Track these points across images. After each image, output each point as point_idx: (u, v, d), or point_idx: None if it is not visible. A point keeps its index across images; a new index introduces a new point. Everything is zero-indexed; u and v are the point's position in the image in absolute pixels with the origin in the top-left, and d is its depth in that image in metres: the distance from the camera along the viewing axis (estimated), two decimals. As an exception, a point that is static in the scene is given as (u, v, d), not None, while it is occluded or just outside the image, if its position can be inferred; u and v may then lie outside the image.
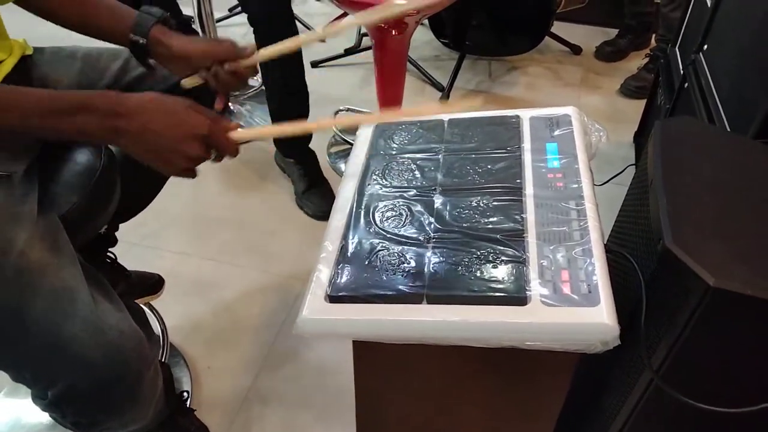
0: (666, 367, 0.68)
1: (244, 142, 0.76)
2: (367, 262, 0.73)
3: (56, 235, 0.75)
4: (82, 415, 0.76)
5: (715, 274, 0.60)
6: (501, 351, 0.68)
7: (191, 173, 0.73)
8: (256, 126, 0.71)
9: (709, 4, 1.31)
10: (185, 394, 1.09)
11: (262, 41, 1.51)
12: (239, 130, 0.75)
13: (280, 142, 1.73)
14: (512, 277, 0.68)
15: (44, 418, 1.16)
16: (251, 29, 1.49)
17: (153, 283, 1.28)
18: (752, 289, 0.60)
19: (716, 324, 0.63)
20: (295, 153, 1.72)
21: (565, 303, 0.64)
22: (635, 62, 2.30)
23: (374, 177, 0.87)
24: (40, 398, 0.75)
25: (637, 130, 1.88)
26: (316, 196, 1.67)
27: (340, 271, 0.73)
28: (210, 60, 0.86)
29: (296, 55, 1.56)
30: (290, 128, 0.82)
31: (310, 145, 1.74)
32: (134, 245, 1.57)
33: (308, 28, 2.49)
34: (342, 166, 1.86)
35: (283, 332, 1.36)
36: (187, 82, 0.89)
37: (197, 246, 1.60)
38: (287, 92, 1.59)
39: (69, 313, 0.70)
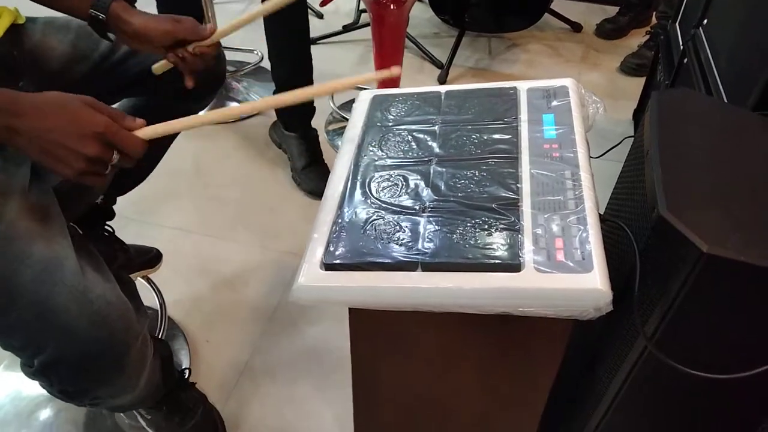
0: (659, 334, 0.69)
1: (153, 138, 0.72)
2: (362, 231, 0.73)
3: (47, 206, 0.75)
4: (69, 384, 0.76)
5: (708, 241, 0.61)
6: (495, 318, 0.68)
7: (95, 177, 0.68)
8: (211, 111, 0.71)
9: (709, -22, 1.30)
10: (187, 371, 1.10)
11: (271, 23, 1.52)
12: (146, 127, 0.71)
13: (283, 116, 1.72)
14: (506, 245, 0.68)
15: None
16: (251, 5, 1.48)
17: (151, 258, 1.29)
18: (745, 256, 0.60)
19: (710, 291, 0.64)
20: (298, 127, 1.71)
21: (559, 269, 0.65)
22: (636, 40, 2.28)
23: (370, 148, 0.87)
24: (27, 366, 0.76)
25: (637, 107, 1.87)
26: (314, 173, 1.67)
27: (335, 239, 0.73)
28: (171, 39, 0.86)
29: (303, 27, 1.56)
30: (211, 116, 0.79)
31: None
32: (133, 220, 1.58)
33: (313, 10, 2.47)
34: (340, 144, 1.86)
35: (281, 307, 1.37)
36: (158, 68, 0.89)
37: (196, 222, 1.61)
38: (292, 63, 1.58)
39: (56, 282, 0.70)
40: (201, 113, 0.75)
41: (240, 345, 1.30)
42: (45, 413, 1.17)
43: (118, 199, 1.21)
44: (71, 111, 0.66)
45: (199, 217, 1.63)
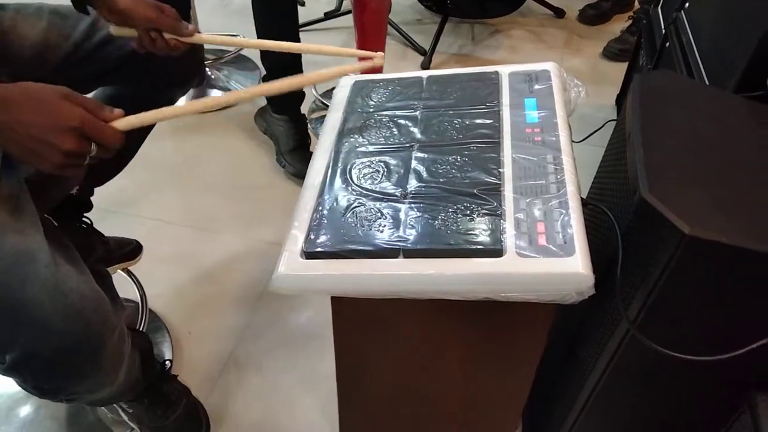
0: (642, 317, 0.69)
1: (130, 129, 0.71)
2: (343, 218, 0.72)
3: (18, 197, 0.73)
4: (43, 380, 0.75)
5: (690, 223, 0.60)
6: (478, 304, 0.68)
7: (73, 170, 0.67)
8: (184, 103, 0.70)
9: (691, -40, 1.29)
10: (168, 363, 1.08)
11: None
12: (123, 118, 0.70)
13: (274, 100, 1.70)
14: (488, 230, 0.67)
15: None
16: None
17: (131, 249, 1.27)
18: (728, 238, 0.60)
19: (692, 273, 0.63)
20: (288, 111, 1.69)
21: (541, 254, 0.64)
22: (618, 25, 2.28)
23: (351, 134, 0.85)
24: None
25: (620, 92, 1.87)
26: (301, 156, 1.66)
27: (316, 228, 0.72)
28: (150, 27, 0.85)
29: (292, 13, 1.54)
30: (190, 107, 0.79)
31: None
32: (113, 212, 1.55)
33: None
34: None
35: (265, 297, 1.36)
36: (118, 32, 0.87)
37: (177, 212, 1.59)
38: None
39: (28, 276, 0.68)
40: (180, 102, 0.73)
41: (223, 336, 1.28)
42: (25, 410, 1.15)
43: (97, 190, 1.19)
44: (48, 104, 0.65)
45: (181, 207, 1.61)
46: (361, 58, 0.91)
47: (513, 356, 0.81)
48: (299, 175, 1.64)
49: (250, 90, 0.84)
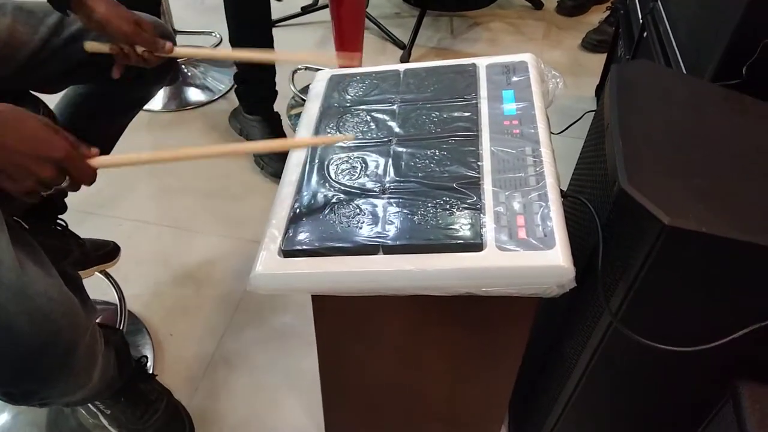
0: (624, 309, 0.69)
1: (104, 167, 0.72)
2: (321, 216, 0.71)
3: None
4: (12, 386, 0.72)
5: (669, 213, 0.60)
6: (460, 299, 0.67)
7: (35, 196, 0.68)
8: (126, 153, 0.70)
9: (666, -50, 1.29)
10: (144, 359, 1.06)
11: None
12: (100, 157, 0.71)
13: (245, 100, 1.68)
14: (468, 224, 0.67)
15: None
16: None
17: (109, 251, 1.24)
18: (707, 227, 0.60)
19: (672, 263, 0.63)
20: (260, 111, 1.67)
21: (521, 247, 0.64)
22: (596, 16, 2.29)
23: (328, 130, 0.84)
24: None
25: (599, 83, 1.88)
26: (278, 155, 1.63)
27: (293, 225, 0.71)
28: (126, 41, 0.85)
29: (264, 9, 1.51)
30: (164, 155, 0.82)
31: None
32: (90, 214, 1.52)
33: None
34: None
35: (246, 297, 1.34)
36: (91, 47, 0.87)
37: (156, 213, 1.56)
38: (254, 45, 1.54)
39: None
40: (157, 105, 0.74)
41: (205, 337, 1.26)
42: (3, 417, 1.13)
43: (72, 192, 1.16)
44: (31, 131, 0.65)
45: (159, 208, 1.58)
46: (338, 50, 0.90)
47: (496, 351, 0.81)
48: (277, 175, 1.62)
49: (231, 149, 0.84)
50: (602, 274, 0.69)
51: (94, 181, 0.71)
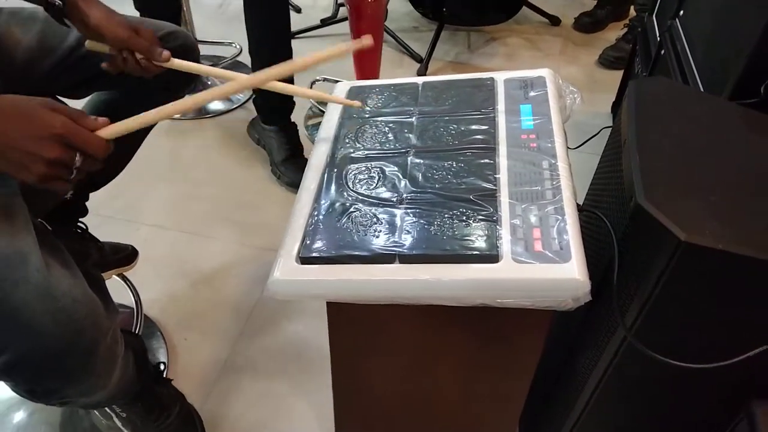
0: (638, 324, 0.68)
1: (117, 137, 0.69)
2: (339, 224, 0.72)
3: (10, 200, 0.72)
4: (35, 384, 0.74)
5: (686, 230, 0.60)
6: (474, 310, 0.68)
7: (58, 182, 0.66)
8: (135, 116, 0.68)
9: (685, -31, 1.30)
10: (162, 365, 1.08)
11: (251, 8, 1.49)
12: (109, 126, 0.68)
13: (263, 110, 1.70)
14: (484, 236, 0.67)
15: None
16: (224, 2, 1.46)
17: (127, 255, 1.26)
18: (723, 244, 0.60)
19: (688, 279, 0.63)
20: (278, 121, 1.69)
21: (537, 260, 0.64)
22: (613, 33, 2.30)
23: (347, 140, 0.85)
24: None
25: (615, 99, 1.88)
26: (294, 165, 1.65)
27: (311, 233, 0.72)
28: (122, 46, 0.84)
29: (284, 20, 1.53)
30: (173, 107, 0.75)
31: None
32: (109, 218, 1.55)
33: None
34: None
35: (260, 304, 1.35)
36: (92, 45, 0.86)
37: (173, 219, 1.58)
38: (273, 57, 1.56)
39: (18, 280, 0.67)
40: (166, 106, 0.72)
41: (219, 343, 1.28)
42: (19, 415, 1.14)
43: (93, 195, 1.18)
44: (26, 113, 0.63)
45: (177, 213, 1.60)
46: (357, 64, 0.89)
47: (510, 363, 0.81)
48: (293, 185, 1.64)
49: (242, 81, 0.80)
50: (617, 289, 0.69)
51: (107, 151, 0.68)
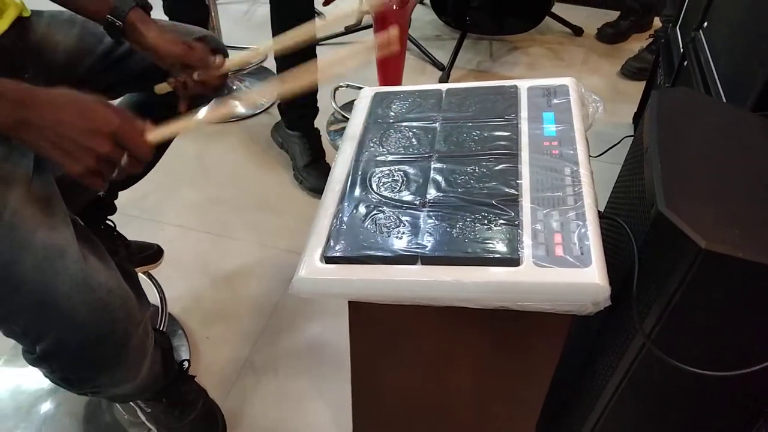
0: (657, 330, 0.69)
1: (161, 142, 0.73)
2: (362, 225, 0.74)
3: (50, 195, 0.75)
4: (70, 371, 0.77)
5: (706, 237, 0.61)
6: (494, 314, 0.69)
7: (98, 178, 0.69)
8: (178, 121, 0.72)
9: (709, -18, 1.31)
10: (186, 362, 1.10)
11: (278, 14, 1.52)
12: (155, 130, 0.72)
13: (287, 115, 1.73)
14: (506, 240, 0.68)
15: (44, 383, 1.19)
16: (254, 5, 1.49)
17: (152, 253, 1.29)
18: (743, 252, 0.60)
19: (707, 287, 0.64)
20: (301, 126, 1.72)
21: (557, 264, 0.65)
22: (636, 44, 2.29)
23: (371, 144, 0.87)
24: (29, 353, 0.76)
25: (637, 110, 1.88)
26: (316, 171, 1.68)
27: (336, 233, 0.74)
28: (179, 63, 0.89)
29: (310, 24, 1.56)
30: (216, 114, 0.79)
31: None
32: (135, 218, 1.58)
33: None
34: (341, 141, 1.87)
35: (281, 304, 1.38)
36: (159, 89, 0.92)
37: (198, 219, 1.62)
38: (299, 63, 1.58)
39: (58, 270, 0.70)
40: (202, 112, 0.75)
41: (240, 342, 1.30)
42: (46, 406, 1.18)
43: (121, 195, 1.22)
44: (85, 106, 0.67)
45: (201, 214, 1.63)
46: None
47: (528, 367, 0.82)
48: (315, 190, 1.67)
49: (272, 86, 0.84)
50: (637, 295, 0.70)
51: (150, 155, 0.72)
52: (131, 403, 1.01)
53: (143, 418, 1.02)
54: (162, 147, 1.15)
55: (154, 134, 0.72)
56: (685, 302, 0.66)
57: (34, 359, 0.75)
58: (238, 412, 1.17)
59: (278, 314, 1.36)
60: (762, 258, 0.61)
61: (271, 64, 2.14)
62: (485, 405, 0.90)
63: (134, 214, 1.59)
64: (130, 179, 1.13)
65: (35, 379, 1.18)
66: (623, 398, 0.79)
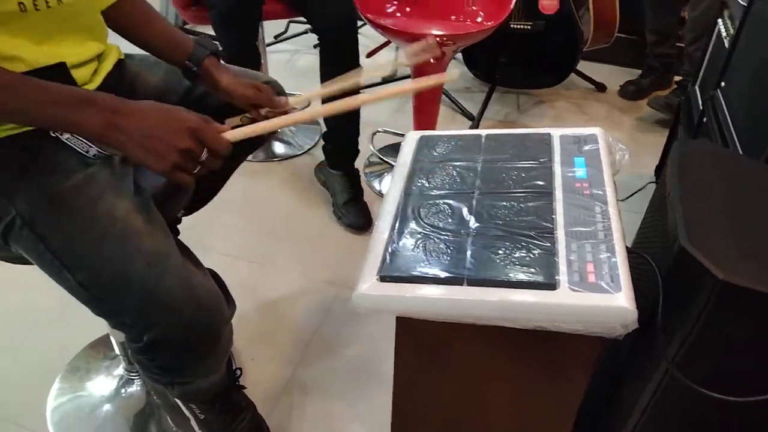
0: (680, 357, 0.75)
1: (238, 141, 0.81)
2: (414, 249, 0.82)
3: (149, 208, 0.87)
4: (169, 359, 0.87)
5: (724, 270, 0.67)
6: (531, 334, 0.76)
7: (184, 174, 0.76)
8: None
9: (726, 45, 1.41)
10: (239, 371, 1.18)
11: (327, 53, 1.63)
12: (233, 130, 0.82)
13: (331, 156, 1.84)
14: (544, 266, 0.76)
15: (106, 390, 1.29)
16: (295, 55, 1.61)
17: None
18: (759, 284, 0.67)
19: (726, 316, 0.70)
20: (343, 166, 1.84)
21: (590, 289, 0.73)
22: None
23: (418, 180, 0.96)
24: (134, 342, 0.86)
25: (659, 163, 1.95)
26: (355, 208, 1.78)
27: (390, 255, 0.82)
28: (249, 103, 1.00)
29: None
30: (286, 120, 0.90)
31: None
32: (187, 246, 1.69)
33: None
34: (377, 185, 1.98)
35: (320, 331, 1.46)
36: (231, 122, 1.00)
37: (244, 250, 1.72)
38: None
39: (165, 271, 0.81)
40: (281, 117, 0.91)
41: (282, 364, 1.38)
42: (107, 407, 1.28)
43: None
44: (167, 111, 0.77)
45: (248, 245, 1.74)
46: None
47: (560, 387, 0.88)
48: (353, 226, 1.77)
49: (324, 108, 0.97)
50: (662, 324, 0.76)
51: (228, 150, 0.80)
52: (187, 409, 1.07)
53: (196, 427, 1.09)
54: (220, 182, 1.26)
55: (232, 133, 0.82)
56: (706, 330, 0.71)
57: (140, 348, 0.85)
58: (281, 430, 1.24)
59: (317, 340, 1.44)
60: (776, 290, 0.67)
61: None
62: (519, 425, 0.96)
63: (186, 242, 1.68)
64: (197, 202, 1.23)
65: (91, 394, 1.28)
66: (649, 421, 0.83)
